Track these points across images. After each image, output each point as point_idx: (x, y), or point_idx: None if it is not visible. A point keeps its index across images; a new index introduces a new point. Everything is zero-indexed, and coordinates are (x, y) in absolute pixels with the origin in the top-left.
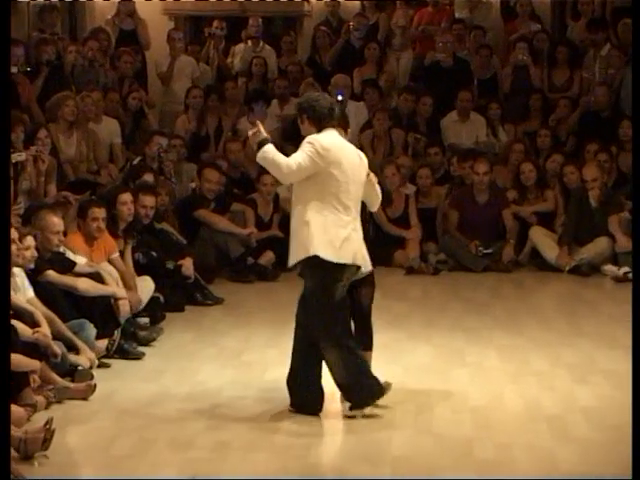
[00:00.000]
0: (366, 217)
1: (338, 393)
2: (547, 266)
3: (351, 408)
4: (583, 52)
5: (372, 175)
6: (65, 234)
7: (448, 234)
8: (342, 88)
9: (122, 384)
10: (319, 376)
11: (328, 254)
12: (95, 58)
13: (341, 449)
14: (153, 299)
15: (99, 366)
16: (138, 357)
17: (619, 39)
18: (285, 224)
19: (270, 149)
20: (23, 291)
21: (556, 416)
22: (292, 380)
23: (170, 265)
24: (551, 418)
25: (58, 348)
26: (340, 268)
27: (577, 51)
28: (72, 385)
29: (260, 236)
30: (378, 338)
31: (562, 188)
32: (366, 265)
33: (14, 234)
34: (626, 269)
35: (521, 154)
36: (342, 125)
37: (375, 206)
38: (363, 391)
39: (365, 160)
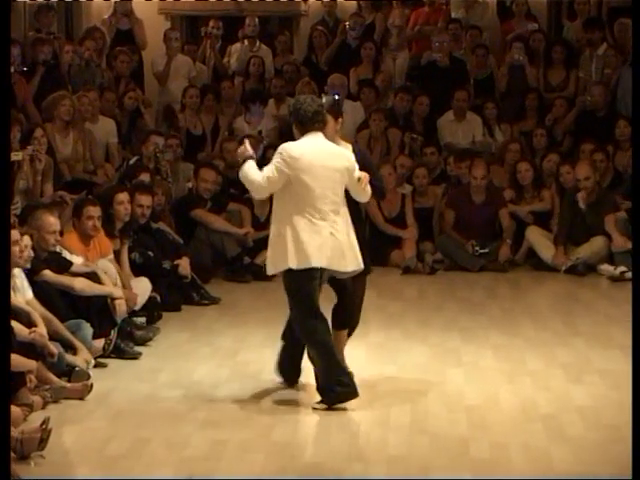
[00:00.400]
0: (360, 216)
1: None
2: (543, 266)
3: (319, 402)
4: (579, 52)
5: (363, 175)
6: (61, 234)
7: (444, 234)
8: (338, 88)
9: (118, 384)
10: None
11: (301, 264)
12: (92, 58)
13: (337, 449)
14: (150, 299)
15: (95, 366)
16: (134, 357)
17: (615, 39)
18: None
19: (247, 166)
20: (22, 292)
21: (551, 415)
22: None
23: (166, 265)
24: (546, 417)
25: (55, 348)
26: (313, 272)
27: (573, 51)
28: (68, 385)
29: (256, 236)
30: (374, 337)
31: (558, 188)
32: (355, 265)
33: (17, 235)
34: (622, 268)
35: (517, 154)
36: (333, 115)
37: (363, 200)
38: (333, 392)
39: (350, 159)
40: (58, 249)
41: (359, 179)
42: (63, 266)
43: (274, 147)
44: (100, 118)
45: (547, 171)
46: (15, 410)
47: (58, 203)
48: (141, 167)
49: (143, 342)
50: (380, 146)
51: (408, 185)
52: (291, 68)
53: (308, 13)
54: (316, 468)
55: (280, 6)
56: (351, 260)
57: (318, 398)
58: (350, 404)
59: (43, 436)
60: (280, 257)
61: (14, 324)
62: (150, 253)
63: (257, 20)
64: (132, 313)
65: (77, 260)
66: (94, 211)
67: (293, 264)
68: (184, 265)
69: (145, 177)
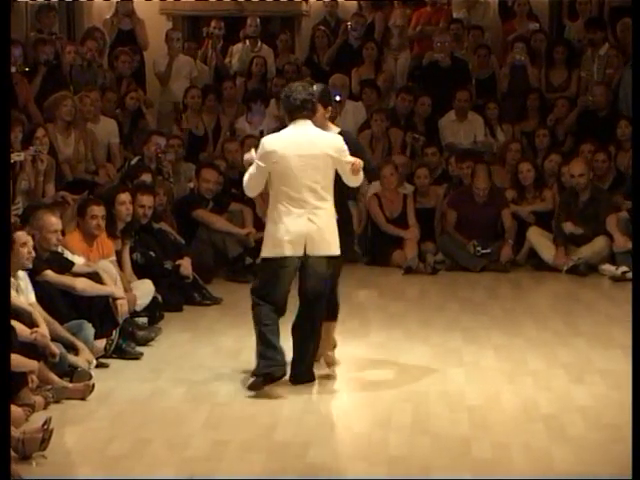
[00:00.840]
0: (345, 201)
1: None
2: (544, 266)
3: (252, 374)
4: (581, 52)
5: (356, 161)
6: (63, 234)
7: (446, 234)
8: (340, 88)
9: (120, 384)
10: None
11: (271, 253)
12: (93, 58)
13: (338, 449)
14: (151, 299)
15: (97, 366)
16: (136, 357)
17: (617, 39)
18: None
19: (248, 171)
20: (26, 294)
21: (553, 416)
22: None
23: (168, 265)
24: (548, 418)
25: (56, 348)
26: (282, 261)
27: (575, 51)
28: (70, 385)
29: (258, 236)
30: (375, 337)
31: (560, 188)
32: (333, 250)
33: (25, 237)
34: (624, 268)
35: (519, 154)
36: (323, 104)
37: (353, 185)
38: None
39: (337, 145)
40: (60, 249)
41: (353, 165)
42: (65, 266)
43: None
44: (102, 118)
45: (549, 171)
46: (17, 410)
47: (60, 203)
48: (143, 167)
49: (145, 342)
50: (382, 146)
51: (409, 185)
52: (292, 68)
53: (309, 13)
54: (317, 468)
55: (281, 6)
56: (329, 245)
57: (321, 400)
58: (351, 404)
59: (45, 436)
60: (264, 245)
61: (16, 324)
62: (152, 253)
63: (258, 20)
64: (134, 313)
65: (79, 260)
66: (98, 210)
67: (265, 253)
68: (186, 265)
69: (147, 177)
